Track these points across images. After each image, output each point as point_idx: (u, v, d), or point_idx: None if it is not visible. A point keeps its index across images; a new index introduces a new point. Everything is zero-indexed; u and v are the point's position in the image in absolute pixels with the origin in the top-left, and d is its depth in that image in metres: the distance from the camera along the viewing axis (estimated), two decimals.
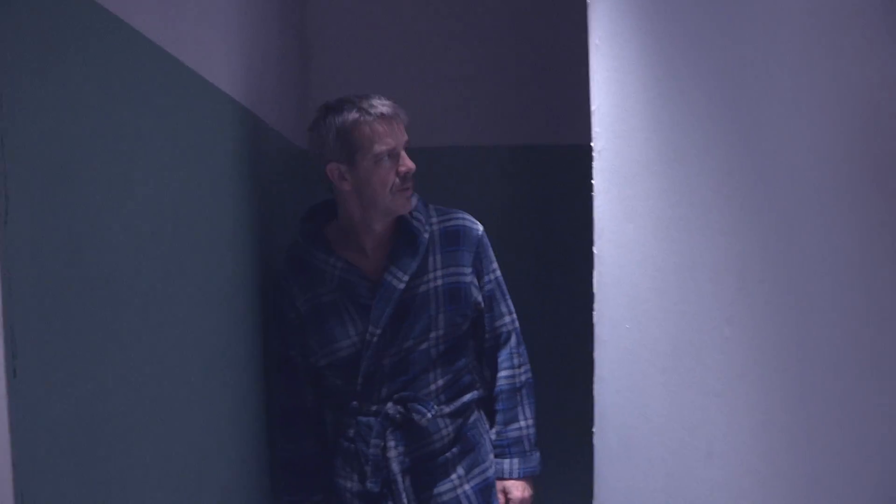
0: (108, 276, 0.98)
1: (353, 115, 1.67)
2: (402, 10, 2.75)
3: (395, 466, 1.73)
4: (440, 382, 1.78)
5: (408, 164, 1.71)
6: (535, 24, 2.76)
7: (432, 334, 1.75)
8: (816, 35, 0.79)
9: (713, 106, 1.01)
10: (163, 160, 1.19)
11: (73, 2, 0.91)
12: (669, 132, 1.15)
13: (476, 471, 1.82)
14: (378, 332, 1.71)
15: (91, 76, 0.95)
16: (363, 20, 2.74)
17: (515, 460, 1.87)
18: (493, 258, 1.88)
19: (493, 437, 1.88)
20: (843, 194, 0.75)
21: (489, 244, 1.87)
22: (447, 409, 1.78)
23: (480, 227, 1.86)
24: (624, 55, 1.33)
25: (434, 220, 1.82)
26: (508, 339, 1.89)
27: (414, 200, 1.76)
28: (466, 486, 1.80)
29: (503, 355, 1.88)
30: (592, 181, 1.51)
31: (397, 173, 1.70)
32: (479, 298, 1.83)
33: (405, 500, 1.73)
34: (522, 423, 1.88)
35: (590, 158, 1.51)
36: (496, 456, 1.88)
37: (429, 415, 1.72)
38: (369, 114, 1.67)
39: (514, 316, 1.91)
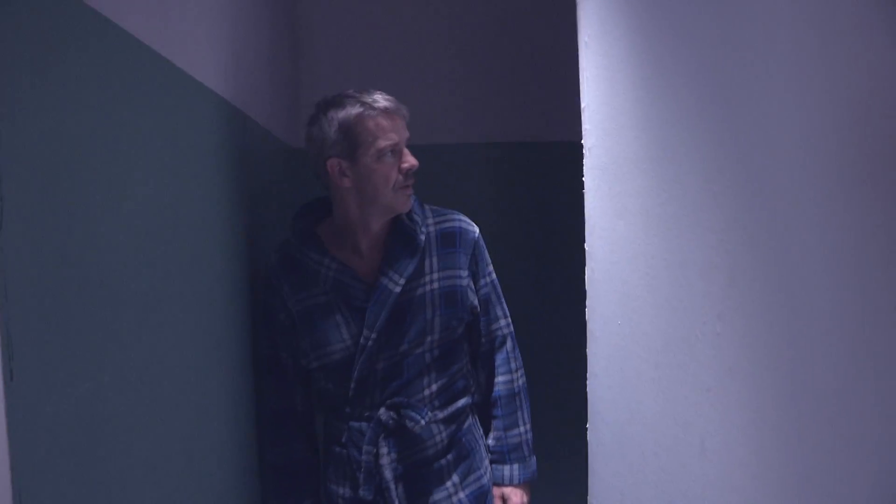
0: (103, 276, 0.98)
1: (357, 109, 1.63)
2: (393, 9, 2.75)
3: (388, 473, 1.69)
4: (434, 387, 1.75)
5: (410, 160, 1.67)
6: (524, 21, 2.77)
7: (428, 338, 1.72)
8: (807, 32, 0.80)
9: (702, 103, 1.02)
10: (157, 160, 1.19)
11: (64, 3, 0.91)
12: (659, 129, 1.15)
13: (471, 478, 1.79)
14: (373, 336, 1.67)
15: (85, 77, 0.95)
16: (354, 19, 2.74)
17: (515, 466, 1.83)
18: (489, 261, 1.85)
19: (492, 442, 1.85)
20: (834, 191, 0.76)
21: (485, 246, 1.84)
22: (441, 415, 1.75)
23: (476, 229, 1.82)
24: (613, 53, 1.34)
25: (430, 220, 1.78)
26: (504, 342, 1.86)
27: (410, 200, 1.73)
28: (461, 494, 1.77)
29: (500, 359, 1.85)
30: (583, 178, 1.52)
31: (399, 170, 1.66)
32: (475, 302, 1.80)
33: None
34: (522, 429, 1.85)
35: (580, 155, 1.51)
36: (494, 461, 1.84)
37: (422, 421, 1.69)
38: (373, 108, 1.63)
39: (510, 319, 1.88)
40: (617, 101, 1.32)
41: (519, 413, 1.85)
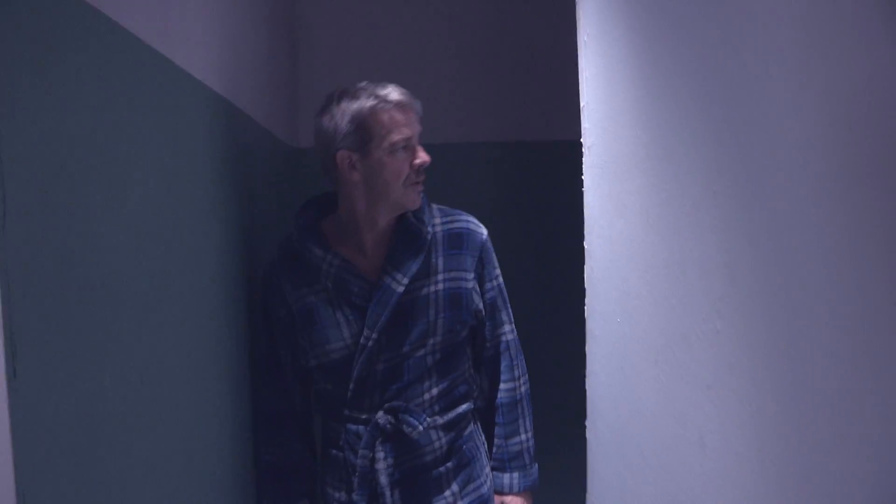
0: (103, 276, 0.98)
1: (370, 101, 1.59)
2: (392, 8, 2.75)
3: (384, 479, 1.65)
4: (434, 392, 1.71)
5: (423, 156, 1.64)
6: (524, 21, 2.77)
7: (430, 341, 1.68)
8: (807, 32, 0.80)
9: (701, 102, 1.02)
10: (157, 159, 1.19)
11: (64, 2, 0.91)
12: (658, 128, 1.16)
13: (470, 487, 1.76)
14: (374, 336, 1.64)
15: (86, 77, 0.95)
16: (353, 19, 2.74)
17: (516, 474, 1.81)
18: (497, 264, 1.81)
19: (493, 450, 1.82)
20: (834, 191, 0.76)
21: (493, 249, 1.80)
22: (441, 420, 1.71)
23: (485, 232, 1.78)
24: (612, 52, 1.34)
25: (437, 220, 1.74)
26: (508, 348, 1.82)
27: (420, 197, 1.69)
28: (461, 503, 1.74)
29: (503, 366, 1.81)
30: (583, 177, 1.52)
31: (411, 165, 1.63)
32: (480, 305, 1.76)
33: None
34: (523, 437, 1.82)
35: (580, 154, 1.52)
36: (495, 469, 1.82)
37: (420, 427, 1.65)
38: (387, 101, 1.60)
39: (514, 325, 1.85)
40: (616, 100, 1.33)
41: (521, 421, 1.82)
